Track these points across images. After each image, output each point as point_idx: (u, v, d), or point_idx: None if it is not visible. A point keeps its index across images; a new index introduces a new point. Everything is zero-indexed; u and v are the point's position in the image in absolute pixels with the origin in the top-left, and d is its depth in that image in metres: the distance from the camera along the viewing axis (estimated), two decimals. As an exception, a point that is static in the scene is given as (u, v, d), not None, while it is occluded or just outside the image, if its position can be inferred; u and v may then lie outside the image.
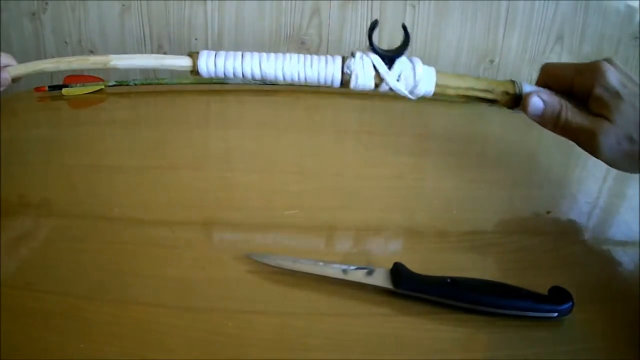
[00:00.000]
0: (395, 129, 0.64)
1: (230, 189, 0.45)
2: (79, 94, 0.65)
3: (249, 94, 0.70)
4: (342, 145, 0.57)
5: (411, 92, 0.39)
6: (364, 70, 0.38)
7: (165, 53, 0.74)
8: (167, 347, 0.28)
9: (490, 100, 0.40)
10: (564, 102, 0.39)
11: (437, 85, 0.39)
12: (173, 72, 0.73)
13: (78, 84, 0.65)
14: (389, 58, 0.38)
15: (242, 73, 0.39)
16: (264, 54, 0.39)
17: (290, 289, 0.32)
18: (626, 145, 0.36)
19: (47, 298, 0.31)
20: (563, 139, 0.39)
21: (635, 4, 0.71)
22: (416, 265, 0.32)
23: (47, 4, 0.72)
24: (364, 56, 0.38)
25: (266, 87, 0.71)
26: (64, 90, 0.64)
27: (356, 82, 0.38)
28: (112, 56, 0.40)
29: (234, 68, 0.39)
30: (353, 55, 0.38)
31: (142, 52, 0.74)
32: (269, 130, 0.60)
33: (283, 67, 0.38)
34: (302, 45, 0.74)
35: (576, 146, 0.39)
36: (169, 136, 0.55)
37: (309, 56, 0.39)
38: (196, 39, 0.74)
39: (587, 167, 0.53)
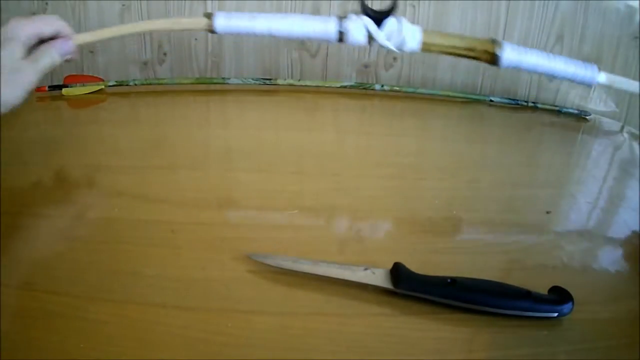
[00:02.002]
0: (395, 129, 0.64)
1: (230, 189, 0.45)
2: (79, 94, 0.65)
3: (249, 94, 0.70)
4: (342, 145, 0.57)
5: (399, 48, 0.43)
6: (357, 28, 0.42)
7: (165, 54, 0.74)
8: (167, 347, 0.28)
9: (473, 57, 0.44)
10: None
11: (422, 42, 0.43)
12: (173, 72, 0.75)
13: (78, 84, 0.65)
14: (379, 19, 0.42)
15: (255, 32, 0.44)
16: (272, 15, 0.44)
17: (290, 289, 0.32)
18: None
19: (47, 298, 0.31)
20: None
21: (635, 4, 0.71)
22: (416, 265, 0.32)
23: (47, 4, 0.72)
24: (357, 17, 0.42)
25: (266, 87, 0.71)
26: (64, 90, 0.64)
27: (350, 38, 0.43)
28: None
29: (246, 27, 0.43)
30: (347, 16, 0.43)
31: (142, 53, 0.74)
32: (269, 130, 0.60)
33: (291, 25, 0.43)
34: (302, 46, 0.74)
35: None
36: (169, 136, 0.55)
37: (310, 16, 0.44)
38: (196, 39, 0.74)
39: (587, 167, 0.53)
